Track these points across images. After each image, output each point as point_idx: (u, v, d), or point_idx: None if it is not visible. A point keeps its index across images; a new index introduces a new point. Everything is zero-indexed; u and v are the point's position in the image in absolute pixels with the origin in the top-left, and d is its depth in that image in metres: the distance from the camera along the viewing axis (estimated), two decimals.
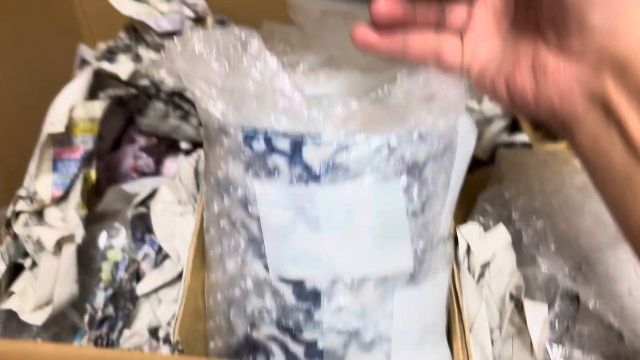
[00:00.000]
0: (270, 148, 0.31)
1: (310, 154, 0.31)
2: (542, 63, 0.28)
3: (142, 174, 0.60)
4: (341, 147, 0.30)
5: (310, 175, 0.31)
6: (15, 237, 0.43)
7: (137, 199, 0.48)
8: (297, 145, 0.31)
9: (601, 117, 0.26)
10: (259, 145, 0.31)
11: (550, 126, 0.30)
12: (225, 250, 0.34)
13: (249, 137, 0.31)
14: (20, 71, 0.53)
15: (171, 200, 0.45)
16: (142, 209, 0.47)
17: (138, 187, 0.49)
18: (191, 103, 0.56)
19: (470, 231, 0.39)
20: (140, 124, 0.59)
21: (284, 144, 0.31)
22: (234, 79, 0.29)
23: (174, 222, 0.44)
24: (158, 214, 0.45)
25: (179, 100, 0.56)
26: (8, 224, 0.44)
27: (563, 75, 0.27)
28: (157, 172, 0.62)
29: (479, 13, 0.32)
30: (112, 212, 0.49)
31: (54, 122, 0.47)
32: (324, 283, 0.33)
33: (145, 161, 0.61)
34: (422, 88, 0.31)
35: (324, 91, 0.36)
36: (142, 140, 0.62)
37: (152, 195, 0.48)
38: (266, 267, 0.33)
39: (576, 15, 0.26)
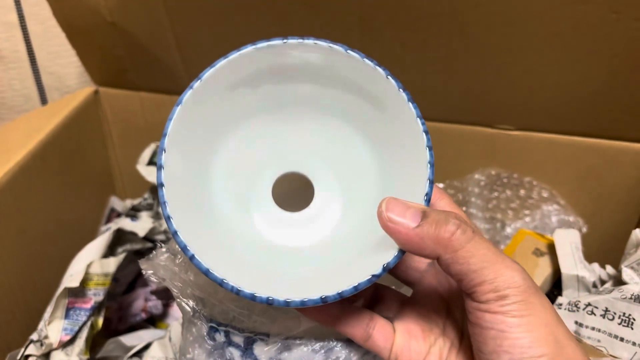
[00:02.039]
0: (229, 341, 0.37)
1: (259, 350, 0.36)
2: None
3: (151, 315, 0.67)
4: (285, 347, 0.36)
5: None
6: None
7: (132, 351, 0.53)
8: (249, 341, 0.37)
9: None
10: (220, 337, 0.37)
11: None
12: None
13: (212, 330, 0.37)
14: (55, 220, 0.62)
15: (159, 356, 0.51)
16: None
17: (135, 340, 0.55)
18: None
19: None
20: None
21: (239, 339, 0.37)
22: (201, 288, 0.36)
23: None
24: None
25: None
26: None
27: None
28: (164, 314, 0.69)
29: (409, 314, 0.34)
30: (112, 357, 0.55)
31: (73, 274, 0.55)
32: None
33: (155, 303, 0.68)
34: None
35: None
36: (153, 284, 0.68)
37: (146, 347, 0.54)
38: None
39: None
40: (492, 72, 0.55)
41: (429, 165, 0.31)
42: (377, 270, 0.29)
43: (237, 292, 0.29)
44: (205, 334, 0.37)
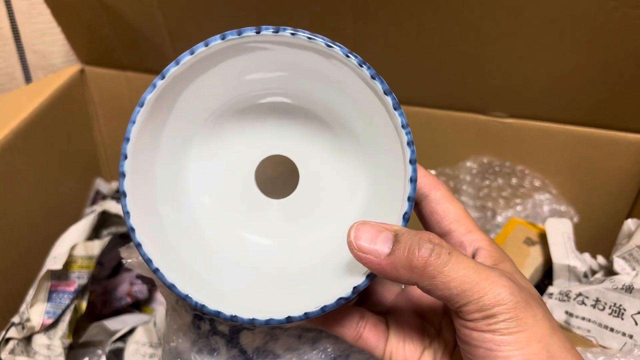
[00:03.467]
0: (214, 330, 0.36)
1: (245, 339, 0.36)
2: None
3: (136, 299, 0.66)
4: (271, 336, 0.35)
5: (244, 358, 0.36)
6: None
7: (116, 335, 0.53)
8: (235, 330, 0.36)
9: None
10: (205, 326, 0.36)
11: None
12: None
13: (196, 318, 0.36)
14: (39, 202, 0.61)
15: (144, 342, 0.50)
16: (120, 344, 0.52)
17: (119, 324, 0.55)
18: None
19: None
20: None
21: (224, 328, 0.36)
22: None
23: None
24: (130, 353, 0.50)
25: None
26: None
27: None
28: (150, 298, 0.68)
29: (403, 310, 0.33)
30: (95, 342, 0.55)
31: (56, 257, 0.53)
32: None
33: (140, 287, 0.67)
34: None
35: None
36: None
37: (131, 331, 0.53)
38: None
39: None
40: (487, 58, 0.54)
41: (409, 182, 0.28)
42: (347, 292, 0.28)
43: (202, 308, 0.29)
44: (189, 322, 0.37)
